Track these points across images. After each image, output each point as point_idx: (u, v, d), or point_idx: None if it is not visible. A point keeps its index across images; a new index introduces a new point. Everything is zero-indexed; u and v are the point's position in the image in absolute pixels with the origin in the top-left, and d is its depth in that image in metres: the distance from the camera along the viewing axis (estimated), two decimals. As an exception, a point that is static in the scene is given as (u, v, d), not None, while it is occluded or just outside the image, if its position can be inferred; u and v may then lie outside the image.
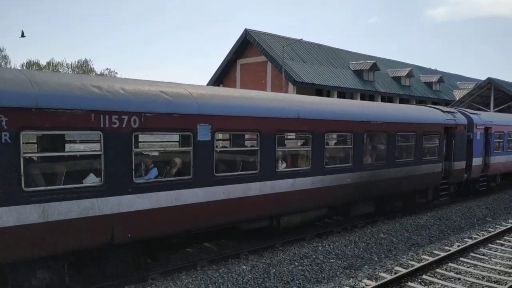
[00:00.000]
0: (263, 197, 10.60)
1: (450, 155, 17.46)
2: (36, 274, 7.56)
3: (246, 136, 12.54)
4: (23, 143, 6.99)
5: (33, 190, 7.15)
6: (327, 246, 11.83)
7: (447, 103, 45.00)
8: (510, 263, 11.22)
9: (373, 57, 47.68)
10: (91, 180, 7.89)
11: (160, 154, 10.30)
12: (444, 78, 52.59)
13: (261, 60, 37.39)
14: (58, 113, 7.27)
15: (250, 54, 38.49)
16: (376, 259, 11.83)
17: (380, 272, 10.42)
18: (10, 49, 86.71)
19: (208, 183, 9.39)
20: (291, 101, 11.98)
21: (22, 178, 6.97)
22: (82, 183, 7.80)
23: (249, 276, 9.61)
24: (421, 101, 45.25)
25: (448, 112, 17.87)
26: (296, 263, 10.61)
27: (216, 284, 9.04)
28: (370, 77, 42.31)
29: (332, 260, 11.18)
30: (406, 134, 15.41)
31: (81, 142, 10.74)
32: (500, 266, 10.95)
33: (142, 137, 9.57)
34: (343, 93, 38.23)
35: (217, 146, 10.14)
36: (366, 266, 11.18)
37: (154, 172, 8.99)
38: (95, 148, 8.30)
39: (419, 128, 15.67)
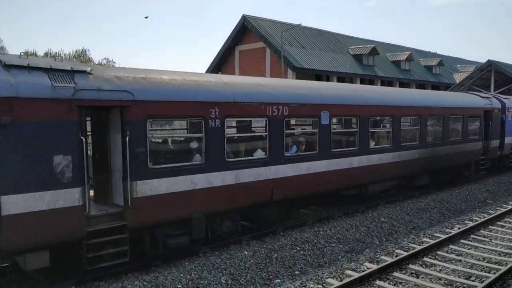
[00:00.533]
0: (361, 168, 13.65)
1: (488, 135, 20.36)
2: (224, 222, 10.43)
3: (353, 120, 14.63)
4: (226, 127, 10.04)
5: (231, 160, 10.21)
6: (328, 231, 11.89)
7: (447, 86, 44.81)
8: (510, 244, 11.28)
9: (372, 41, 47.32)
10: (260, 154, 11.08)
11: (295, 135, 12.98)
12: (444, 61, 52.24)
13: (259, 46, 37.11)
14: (245, 105, 10.39)
15: (248, 41, 38.20)
16: (377, 242, 11.90)
17: (381, 255, 10.48)
18: (6, 40, 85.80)
19: (327, 157, 12.49)
20: (378, 92, 15.94)
21: (225, 152, 9.96)
22: (253, 156, 11.02)
23: (251, 261, 9.67)
24: (421, 85, 45.05)
25: (486, 97, 20.89)
26: (298, 248, 10.67)
27: (219, 269, 9.11)
28: (370, 61, 42.05)
29: (333, 245, 11.25)
30: (456, 117, 18.41)
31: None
32: (500, 248, 11.01)
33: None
34: (342, 78, 38.03)
35: (334, 129, 13.15)
36: (367, 250, 11.25)
37: (294, 148, 12.07)
38: (263, 130, 11.27)
39: (466, 112, 18.80)
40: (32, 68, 7.37)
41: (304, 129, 14.14)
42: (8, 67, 7.15)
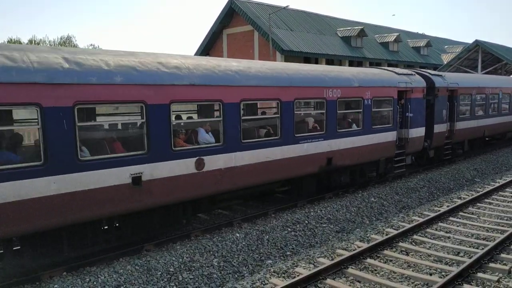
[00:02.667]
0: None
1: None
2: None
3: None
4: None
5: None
6: (319, 212, 11.96)
7: (435, 67, 44.93)
8: (498, 220, 11.46)
9: (360, 23, 47.16)
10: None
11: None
12: (432, 43, 52.31)
13: (247, 29, 36.76)
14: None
15: (236, 24, 37.81)
16: (368, 222, 12.01)
17: (372, 234, 10.58)
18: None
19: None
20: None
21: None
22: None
23: (243, 243, 9.71)
24: (409, 66, 45.10)
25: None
26: (289, 229, 10.73)
27: (211, 252, 9.13)
28: (358, 43, 41.94)
29: (324, 225, 11.32)
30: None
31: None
32: (488, 224, 11.18)
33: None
34: (331, 61, 37.94)
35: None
36: (357, 229, 11.36)
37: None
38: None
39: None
40: None
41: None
42: None
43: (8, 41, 56.31)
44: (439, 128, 17.66)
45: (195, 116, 12.20)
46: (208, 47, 39.60)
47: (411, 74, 16.34)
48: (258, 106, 13.13)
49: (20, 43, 57.38)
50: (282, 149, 11.30)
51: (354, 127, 13.76)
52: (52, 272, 7.98)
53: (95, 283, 7.54)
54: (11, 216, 6.97)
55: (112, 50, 9.11)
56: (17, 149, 7.75)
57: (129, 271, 8.02)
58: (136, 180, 8.36)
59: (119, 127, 9.98)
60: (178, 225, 10.04)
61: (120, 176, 8.15)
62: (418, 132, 16.32)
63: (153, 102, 8.58)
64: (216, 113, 10.70)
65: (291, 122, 11.47)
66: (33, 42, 60.18)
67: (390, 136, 14.96)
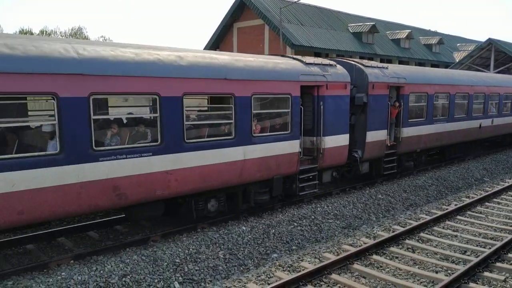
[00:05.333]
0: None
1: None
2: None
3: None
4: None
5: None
6: (325, 207, 11.95)
7: (447, 65, 44.49)
8: (506, 220, 11.37)
9: (372, 19, 46.78)
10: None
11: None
12: (444, 40, 51.76)
13: (258, 23, 36.63)
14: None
15: (246, 18, 37.70)
16: (374, 219, 11.98)
17: (378, 231, 10.56)
18: (1, 19, 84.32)
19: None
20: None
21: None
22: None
23: (249, 236, 9.73)
24: (420, 63, 44.75)
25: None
26: (295, 224, 10.73)
27: (217, 244, 9.17)
28: (369, 39, 41.63)
29: (330, 221, 11.31)
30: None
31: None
32: (496, 223, 11.10)
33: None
34: (341, 56, 37.72)
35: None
36: (364, 226, 11.34)
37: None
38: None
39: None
40: None
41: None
42: None
43: (19, 32, 56.73)
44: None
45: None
46: (218, 41, 39.56)
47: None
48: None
49: (31, 33, 57.77)
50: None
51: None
52: (59, 260, 8.07)
53: (101, 271, 7.61)
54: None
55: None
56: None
57: (136, 261, 8.08)
58: None
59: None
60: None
61: None
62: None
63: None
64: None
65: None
66: (44, 33, 60.52)
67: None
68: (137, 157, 8.22)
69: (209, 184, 9.49)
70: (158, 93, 8.44)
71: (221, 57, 9.90)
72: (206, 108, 11.29)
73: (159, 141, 8.53)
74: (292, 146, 11.14)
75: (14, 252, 8.68)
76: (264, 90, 10.43)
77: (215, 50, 37.26)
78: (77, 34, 62.93)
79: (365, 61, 14.32)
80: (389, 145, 14.57)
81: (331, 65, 12.48)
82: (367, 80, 13.24)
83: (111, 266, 7.81)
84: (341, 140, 12.56)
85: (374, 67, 13.97)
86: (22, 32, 57.33)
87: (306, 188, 12.04)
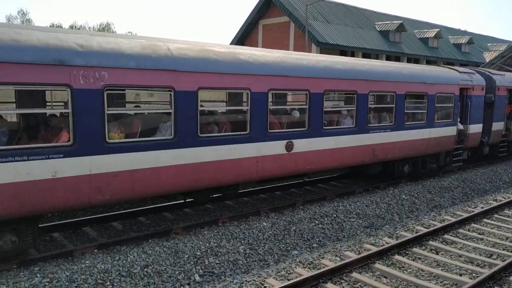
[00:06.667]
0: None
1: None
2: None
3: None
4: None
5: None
6: (348, 206, 11.84)
7: (476, 65, 43.41)
8: (535, 225, 11.04)
9: (399, 17, 46.05)
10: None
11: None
12: (474, 40, 50.52)
13: (283, 20, 36.53)
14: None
15: (272, 15, 37.64)
16: (397, 219, 11.81)
17: (401, 231, 10.40)
18: (33, 13, 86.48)
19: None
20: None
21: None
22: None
23: (270, 232, 9.73)
24: (449, 63, 43.81)
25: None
26: (317, 221, 10.67)
27: (237, 239, 9.20)
28: (397, 38, 41.01)
29: (352, 219, 11.20)
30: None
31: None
32: (524, 228, 10.79)
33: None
34: (368, 55, 37.27)
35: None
36: (387, 226, 11.19)
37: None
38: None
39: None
40: None
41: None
42: None
43: (50, 26, 57.93)
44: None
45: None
46: (243, 38, 39.62)
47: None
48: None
49: (61, 28, 58.94)
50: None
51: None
52: (84, 248, 8.25)
53: (124, 261, 7.73)
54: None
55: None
56: None
57: (157, 252, 8.18)
58: None
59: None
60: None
61: None
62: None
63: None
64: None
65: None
66: (74, 27, 61.75)
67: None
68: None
69: (410, 152, 14.15)
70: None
71: (420, 67, 15.76)
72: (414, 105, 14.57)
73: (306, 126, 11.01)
74: (453, 131, 15.74)
75: (41, 240, 8.90)
76: (442, 91, 14.96)
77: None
78: (105, 30, 64.00)
79: (491, 70, 19.72)
80: (503, 134, 19.00)
81: (472, 73, 16.98)
82: (495, 84, 17.66)
83: (134, 257, 7.93)
84: (478, 128, 17.09)
85: (498, 74, 18.67)
86: (52, 26, 58.51)
87: (455, 162, 16.48)
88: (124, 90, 8.98)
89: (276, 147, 10.20)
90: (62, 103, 8.57)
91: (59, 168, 7.12)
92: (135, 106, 11.11)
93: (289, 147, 10.45)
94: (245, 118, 9.77)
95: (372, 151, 12.72)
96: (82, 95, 7.24)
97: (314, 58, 11.54)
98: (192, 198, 10.23)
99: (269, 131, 10.07)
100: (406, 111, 13.67)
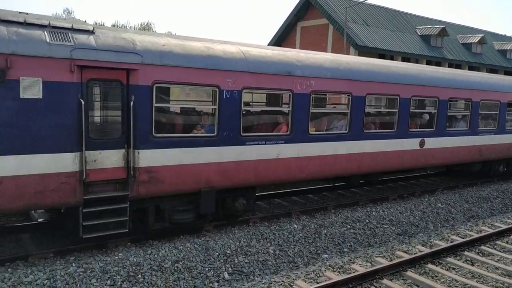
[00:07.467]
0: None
1: None
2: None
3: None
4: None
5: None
6: (381, 212, 11.65)
7: (522, 72, 41.79)
8: None
9: (442, 21, 44.81)
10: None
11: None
12: (521, 46, 48.55)
13: (322, 23, 36.27)
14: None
15: (311, 17, 37.45)
16: (432, 227, 11.52)
17: (436, 240, 10.14)
18: (77, 12, 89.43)
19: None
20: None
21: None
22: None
23: (300, 234, 9.70)
24: (492, 70, 42.31)
25: None
26: (348, 226, 10.55)
27: (267, 239, 9.22)
28: (438, 43, 39.92)
29: (385, 226, 11.01)
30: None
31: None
32: None
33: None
34: (407, 59, 36.47)
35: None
36: (420, 234, 10.93)
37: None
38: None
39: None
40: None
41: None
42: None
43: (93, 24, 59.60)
44: None
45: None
46: (281, 39, 39.60)
47: None
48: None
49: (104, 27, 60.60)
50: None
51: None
52: (118, 241, 8.48)
53: (155, 255, 7.90)
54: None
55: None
56: None
57: (188, 248, 8.31)
58: None
59: None
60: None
61: None
62: None
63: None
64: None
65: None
66: (116, 26, 63.47)
67: None
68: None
69: (507, 153, 16.12)
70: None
71: (497, 77, 16.80)
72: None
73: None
74: None
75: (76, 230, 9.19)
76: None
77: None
78: (146, 29, 65.45)
79: None
80: None
81: None
82: None
83: (165, 251, 8.09)
84: None
85: None
86: (95, 25, 60.22)
87: None
88: (325, 94, 11.83)
89: (413, 144, 12.48)
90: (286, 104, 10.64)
91: (281, 151, 9.69)
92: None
93: (421, 144, 12.66)
94: (393, 119, 12.15)
95: (479, 151, 14.76)
96: (299, 97, 9.81)
97: (441, 71, 14.06)
98: (344, 182, 12.60)
99: (410, 130, 12.36)
100: (507, 117, 15.66)
